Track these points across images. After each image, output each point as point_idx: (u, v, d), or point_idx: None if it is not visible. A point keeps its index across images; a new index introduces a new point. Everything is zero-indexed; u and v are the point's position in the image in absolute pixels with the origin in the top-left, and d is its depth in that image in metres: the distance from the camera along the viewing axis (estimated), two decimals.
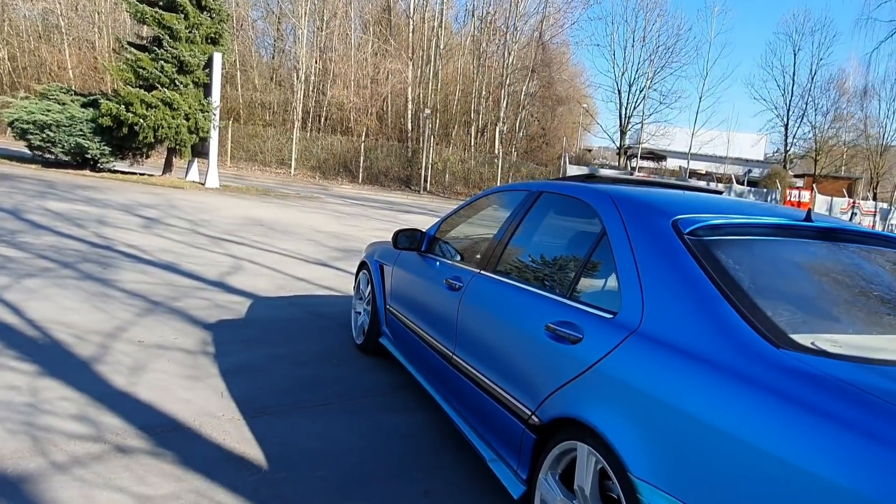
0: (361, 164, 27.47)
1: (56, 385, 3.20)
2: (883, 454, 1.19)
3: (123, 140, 16.27)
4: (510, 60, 32.36)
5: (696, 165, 39.01)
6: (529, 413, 2.17)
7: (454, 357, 2.82)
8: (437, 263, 3.29)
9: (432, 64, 31.14)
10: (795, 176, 39.89)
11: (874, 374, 1.43)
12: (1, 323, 4.07)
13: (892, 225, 29.21)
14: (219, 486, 2.42)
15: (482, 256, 2.89)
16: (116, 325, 4.29)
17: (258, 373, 3.67)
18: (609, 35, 56.69)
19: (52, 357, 3.58)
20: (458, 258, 3.28)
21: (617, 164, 38.71)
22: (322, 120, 30.11)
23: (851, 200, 32.78)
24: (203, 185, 16.97)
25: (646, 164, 40.17)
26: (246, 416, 3.09)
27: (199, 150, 17.37)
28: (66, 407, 2.98)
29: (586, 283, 2.22)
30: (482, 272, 2.80)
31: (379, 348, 4.08)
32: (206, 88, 16.95)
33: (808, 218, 2.20)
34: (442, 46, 31.72)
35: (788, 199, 29.66)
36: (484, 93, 32.80)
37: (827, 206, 30.46)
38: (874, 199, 36.66)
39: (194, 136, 16.50)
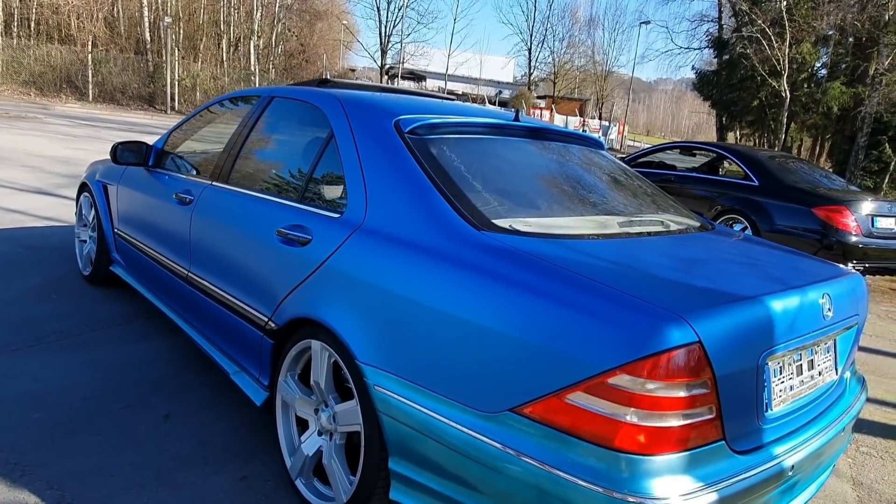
0: (91, 80, 23.58)
1: None
2: (544, 305, 1.40)
3: None
4: None
5: (452, 86, 40.83)
6: (266, 320, 2.15)
7: (190, 275, 2.65)
8: (166, 178, 3.00)
9: None
10: (539, 97, 44.01)
11: (552, 246, 1.66)
12: None
13: (610, 139, 33.95)
14: None
15: (214, 168, 2.70)
16: None
17: None
18: None
19: None
20: (192, 172, 3.03)
21: (379, 83, 38.72)
22: (32, 24, 24.91)
23: (582, 119, 37.29)
24: None
25: (406, 84, 40.90)
26: None
27: None
28: None
29: (316, 187, 2.20)
30: (213, 184, 2.63)
31: (111, 278, 3.68)
32: None
33: (516, 118, 2.42)
34: None
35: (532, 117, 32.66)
36: (234, 2, 30.00)
37: (563, 124, 34.27)
38: (600, 117, 42.13)
39: None
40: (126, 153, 3.10)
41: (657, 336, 1.28)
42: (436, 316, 1.57)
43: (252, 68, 28.70)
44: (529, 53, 44.65)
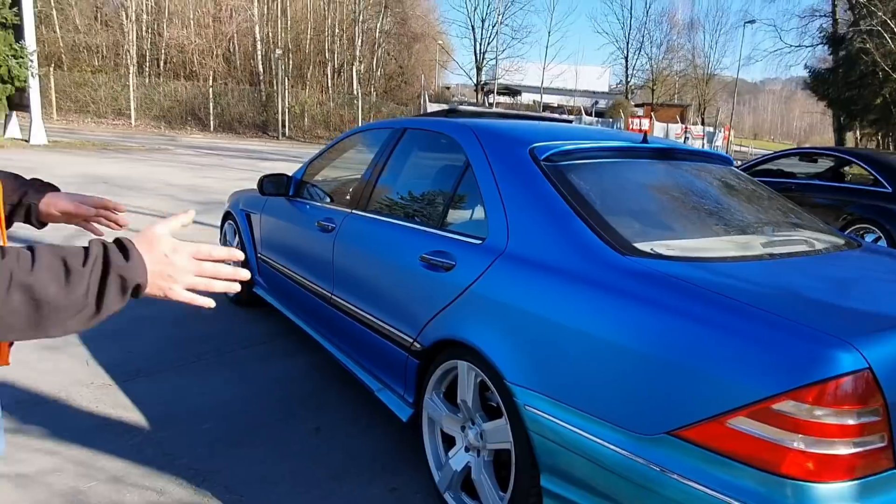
0: (212, 111, 25.64)
1: None
2: (700, 330, 1.43)
3: None
4: None
5: (548, 99, 40.69)
6: (411, 340, 2.29)
7: (333, 297, 2.86)
8: (308, 207, 3.26)
9: (279, 0, 29.34)
10: (636, 105, 42.92)
11: (699, 269, 1.68)
12: None
13: (716, 146, 32.49)
14: (100, 453, 2.33)
15: (352, 196, 2.91)
16: None
17: (124, 337, 3.49)
18: None
19: None
20: (328, 200, 3.27)
21: (475, 100, 39.34)
22: (162, 64, 27.49)
23: (684, 126, 35.96)
24: (27, 141, 15.11)
25: (502, 99, 41.21)
26: (118, 381, 2.95)
27: (17, 103, 15.32)
28: None
29: (455, 214, 2.33)
30: (354, 212, 2.83)
31: (254, 299, 4.01)
32: (17, 30, 14.83)
33: (644, 140, 2.44)
34: None
35: (631, 127, 31.96)
36: (338, 31, 31.57)
37: (664, 132, 33.18)
38: (702, 123, 40.45)
39: (9, 86, 14.50)
40: (270, 185, 3.39)
41: (825, 362, 1.28)
42: (586, 339, 1.64)
43: (354, 92, 30.00)
44: (626, 61, 43.81)
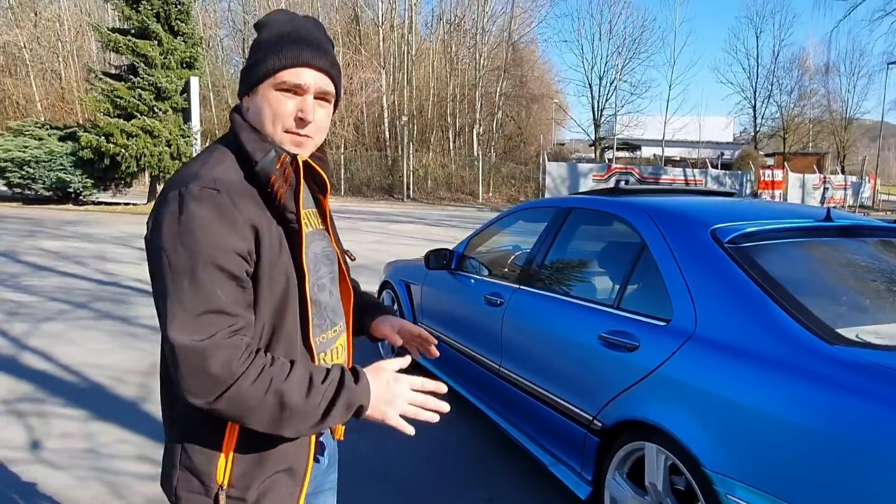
0: (342, 176, 27.51)
1: (110, 428, 3.30)
2: None
3: (105, 171, 16.19)
4: (481, 62, 32.64)
5: (669, 152, 39.66)
6: (591, 418, 2.33)
7: (501, 369, 2.98)
8: (472, 281, 3.44)
9: (405, 70, 31.30)
10: (766, 155, 40.72)
11: None
12: (36, 370, 4.14)
13: (864, 198, 29.97)
14: None
15: (520, 272, 3.05)
16: (151, 361, 4.38)
17: None
18: (576, 30, 57.31)
19: (98, 400, 3.67)
20: (491, 274, 3.43)
21: (594, 156, 39.23)
22: None
23: (823, 176, 33.58)
24: None
25: (621, 154, 40.73)
26: None
27: None
28: (127, 449, 3.08)
29: (632, 294, 2.39)
30: (522, 287, 2.96)
31: (412, 364, 4.21)
32: (185, 113, 16.91)
33: (828, 217, 2.39)
34: (413, 53, 31.92)
35: (762, 179, 30.29)
36: (458, 96, 33.03)
37: (800, 184, 31.12)
38: (842, 171, 37.56)
39: (177, 161, 16.45)
40: (435, 259, 3.63)
41: None
42: (798, 430, 1.61)
43: (475, 153, 30.95)
44: (754, 111, 41.96)
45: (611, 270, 2.60)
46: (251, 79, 1.09)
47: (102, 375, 4.09)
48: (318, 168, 1.15)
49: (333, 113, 1.18)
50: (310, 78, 1.07)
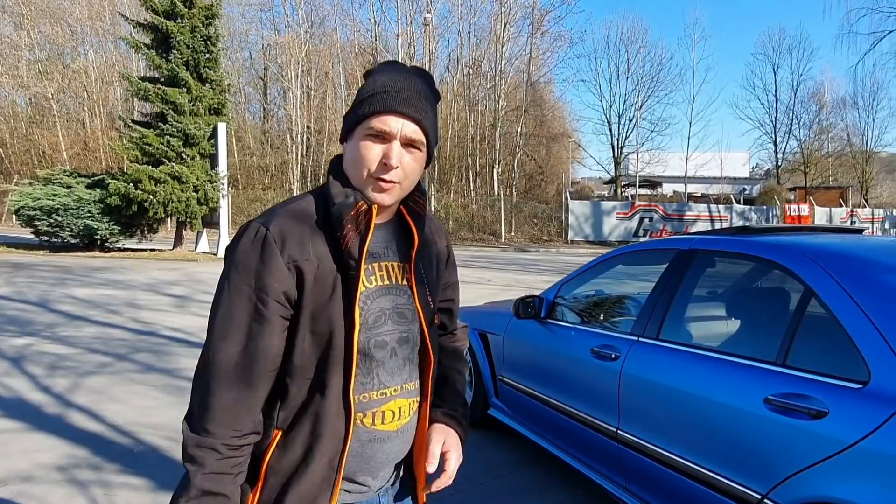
0: None
1: None
2: None
3: (132, 217, 16.15)
4: (500, 104, 32.83)
5: (691, 188, 39.38)
6: (759, 497, 1.98)
7: (620, 433, 2.63)
8: (573, 332, 3.11)
9: None
10: (789, 189, 40.33)
11: None
12: (87, 432, 3.84)
13: None
14: None
15: (638, 322, 2.72)
16: None
17: None
18: (594, 70, 58.02)
19: (157, 466, 3.35)
20: (594, 323, 3.11)
21: (607, 193, 39.05)
22: (321, 178, 30.16)
23: (849, 210, 33.10)
24: (215, 255, 16.80)
25: (643, 191, 40.49)
26: None
27: (209, 221, 17.25)
28: None
29: (801, 348, 2.06)
30: (643, 339, 2.63)
31: (484, 421, 3.87)
32: (212, 159, 16.93)
33: None
34: None
35: (788, 214, 29.89)
36: (478, 136, 33.14)
37: (826, 218, 30.66)
38: (866, 204, 37.05)
39: (204, 207, 16.40)
40: (525, 308, 3.32)
41: None
42: None
43: (495, 193, 30.85)
44: (775, 146, 41.76)
45: (762, 321, 2.28)
46: (347, 125, 1.12)
47: (156, 436, 3.78)
48: (411, 222, 1.16)
49: (427, 165, 1.15)
50: (396, 124, 1.06)
